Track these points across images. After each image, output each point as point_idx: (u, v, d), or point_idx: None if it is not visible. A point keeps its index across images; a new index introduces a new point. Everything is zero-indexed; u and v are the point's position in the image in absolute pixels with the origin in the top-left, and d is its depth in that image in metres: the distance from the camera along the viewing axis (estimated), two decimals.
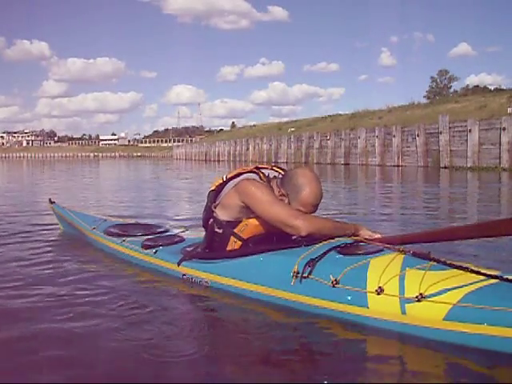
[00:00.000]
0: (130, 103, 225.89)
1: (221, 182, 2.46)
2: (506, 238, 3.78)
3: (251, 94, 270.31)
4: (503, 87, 39.28)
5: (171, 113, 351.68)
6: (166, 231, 3.23)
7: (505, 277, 1.79)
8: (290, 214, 2.24)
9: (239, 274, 2.28)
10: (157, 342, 1.80)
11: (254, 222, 2.35)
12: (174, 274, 2.57)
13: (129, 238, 3.05)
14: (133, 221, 3.83)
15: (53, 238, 3.91)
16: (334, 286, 1.95)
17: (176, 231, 3.23)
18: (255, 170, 2.48)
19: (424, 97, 47.25)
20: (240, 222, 2.36)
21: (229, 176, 2.46)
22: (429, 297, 1.75)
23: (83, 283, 2.58)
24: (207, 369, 1.64)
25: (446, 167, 18.89)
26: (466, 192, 9.66)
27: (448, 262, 1.94)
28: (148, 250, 2.80)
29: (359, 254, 2.08)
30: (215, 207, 2.43)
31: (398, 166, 21.42)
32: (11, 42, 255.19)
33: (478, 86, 54.85)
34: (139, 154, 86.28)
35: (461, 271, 1.86)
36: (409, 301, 1.78)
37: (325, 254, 2.09)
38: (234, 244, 2.39)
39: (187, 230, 3.27)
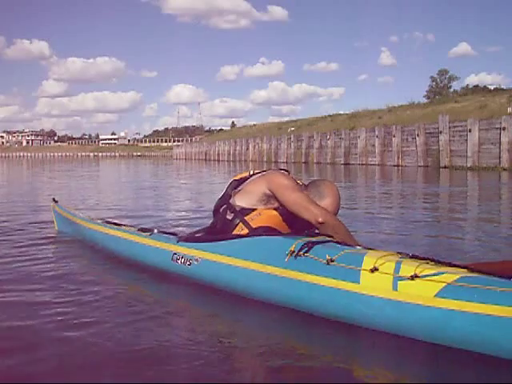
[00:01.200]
0: (129, 103, 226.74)
1: (246, 174, 2.57)
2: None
3: (251, 93, 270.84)
4: (503, 87, 39.25)
5: (171, 112, 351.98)
6: None
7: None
8: (312, 202, 2.32)
9: (232, 251, 2.28)
10: (156, 343, 1.79)
11: (268, 212, 2.39)
12: (166, 255, 2.56)
13: (125, 227, 3.17)
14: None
15: (49, 236, 3.89)
16: (328, 264, 1.95)
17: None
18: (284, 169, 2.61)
19: (424, 96, 47.29)
20: (254, 210, 2.39)
21: (255, 171, 2.57)
22: (423, 276, 1.74)
23: (79, 283, 2.57)
24: (203, 369, 1.63)
25: (445, 167, 18.89)
26: (465, 191, 9.65)
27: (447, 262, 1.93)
28: (144, 233, 2.85)
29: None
30: (235, 194, 2.47)
31: (398, 165, 21.42)
32: (11, 42, 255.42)
33: (477, 85, 54.81)
34: (139, 153, 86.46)
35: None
36: (402, 279, 1.77)
37: (324, 241, 2.14)
38: (240, 231, 2.40)
39: None
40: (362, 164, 23.79)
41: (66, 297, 2.30)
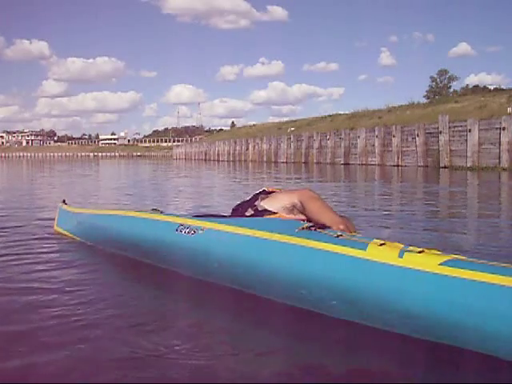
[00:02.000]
0: (129, 103, 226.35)
1: (277, 190, 2.67)
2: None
3: (251, 93, 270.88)
4: (503, 87, 39.39)
5: (171, 112, 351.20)
6: None
7: None
8: (335, 212, 2.41)
9: (241, 224, 2.30)
10: (155, 343, 1.79)
11: (287, 217, 2.43)
12: (172, 226, 2.54)
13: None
14: None
15: (47, 233, 3.89)
16: (337, 237, 2.02)
17: None
18: None
19: (424, 96, 47.33)
20: (275, 213, 2.45)
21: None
22: (430, 253, 1.82)
23: (76, 277, 2.57)
24: (204, 369, 1.63)
25: (445, 167, 18.90)
26: (465, 191, 9.66)
27: None
28: (154, 211, 2.93)
29: None
30: (263, 199, 2.55)
31: (398, 165, 21.43)
32: (11, 42, 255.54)
33: (477, 85, 54.99)
34: (139, 153, 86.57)
35: None
36: (409, 251, 1.83)
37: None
38: None
39: None
40: (362, 164, 23.80)
41: (64, 295, 2.30)
